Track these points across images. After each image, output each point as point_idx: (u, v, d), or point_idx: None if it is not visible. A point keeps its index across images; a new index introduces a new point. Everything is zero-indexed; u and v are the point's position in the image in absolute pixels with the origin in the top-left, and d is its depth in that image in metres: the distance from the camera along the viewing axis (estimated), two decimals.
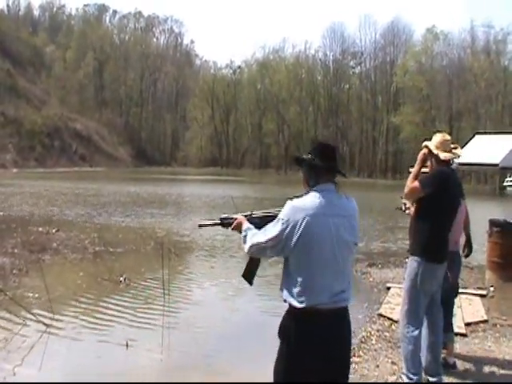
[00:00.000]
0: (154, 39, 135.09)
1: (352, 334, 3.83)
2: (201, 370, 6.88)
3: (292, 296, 3.63)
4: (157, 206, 27.52)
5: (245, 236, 3.94)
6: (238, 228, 4.07)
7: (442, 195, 5.68)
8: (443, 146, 5.94)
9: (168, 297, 9.83)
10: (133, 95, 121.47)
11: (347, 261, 3.74)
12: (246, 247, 3.89)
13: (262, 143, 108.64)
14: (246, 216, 4.15)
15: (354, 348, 6.80)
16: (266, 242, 3.72)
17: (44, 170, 64.13)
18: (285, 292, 3.70)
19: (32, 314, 8.52)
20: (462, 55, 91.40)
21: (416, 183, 5.78)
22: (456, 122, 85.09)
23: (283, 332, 3.70)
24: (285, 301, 3.70)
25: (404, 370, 5.88)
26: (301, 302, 3.58)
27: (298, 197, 3.71)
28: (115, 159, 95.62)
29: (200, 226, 4.56)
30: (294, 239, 3.59)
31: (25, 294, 9.80)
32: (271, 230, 3.70)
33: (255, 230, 3.91)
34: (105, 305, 9.59)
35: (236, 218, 4.16)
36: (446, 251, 5.88)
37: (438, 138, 6.03)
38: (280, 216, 3.69)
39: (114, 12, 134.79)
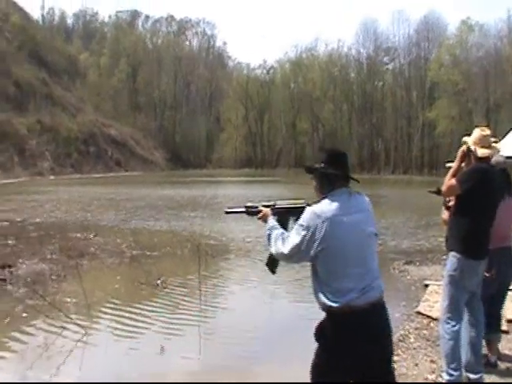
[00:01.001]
0: (187, 42, 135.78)
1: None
2: (237, 374, 6.88)
3: (325, 297, 3.66)
4: (192, 208, 27.59)
5: (269, 235, 4.02)
6: (264, 220, 4.18)
7: (480, 191, 5.59)
8: (482, 142, 5.84)
9: (204, 300, 9.85)
10: (166, 99, 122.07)
11: (372, 253, 3.80)
12: (272, 250, 3.99)
13: (297, 142, 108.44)
14: (269, 206, 4.25)
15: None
16: (288, 251, 3.80)
17: (80, 176, 64.86)
18: (318, 295, 3.74)
19: (71, 318, 8.60)
20: (498, 45, 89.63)
21: (453, 180, 5.70)
22: (493, 114, 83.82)
23: (319, 332, 3.74)
24: (320, 303, 3.73)
25: (444, 367, 5.81)
26: (335, 302, 3.60)
27: (315, 203, 3.77)
28: (150, 163, 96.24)
29: (226, 212, 4.72)
30: (316, 244, 3.65)
31: (63, 299, 9.90)
32: (292, 239, 3.78)
33: (278, 231, 3.99)
34: (142, 309, 9.63)
35: (260, 209, 4.27)
36: (486, 247, 5.78)
37: (476, 133, 5.93)
38: (300, 222, 3.75)
39: (147, 17, 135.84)
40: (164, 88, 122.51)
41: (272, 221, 4.09)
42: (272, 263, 4.23)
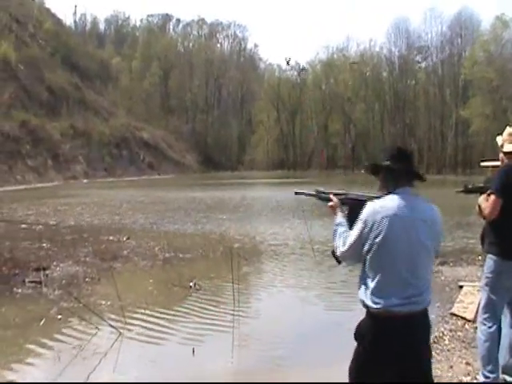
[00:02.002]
0: (218, 45, 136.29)
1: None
2: (272, 375, 6.88)
3: (366, 296, 3.66)
4: (225, 210, 27.62)
5: (335, 231, 3.99)
6: (333, 211, 4.16)
7: (509, 191, 5.52)
8: (510, 138, 5.77)
9: (238, 301, 9.84)
10: (198, 102, 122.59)
11: (426, 266, 3.72)
12: (337, 251, 3.94)
13: (329, 144, 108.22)
14: (339, 195, 4.22)
15: None
16: (347, 248, 3.79)
17: (113, 180, 65.40)
18: (360, 291, 3.73)
19: (105, 320, 8.66)
20: None
21: (492, 196, 5.58)
22: None
23: (359, 333, 3.73)
24: (360, 300, 3.72)
25: (480, 369, 5.74)
26: (375, 303, 3.59)
27: (378, 198, 3.76)
28: (182, 166, 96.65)
29: (296, 193, 4.79)
30: (372, 238, 3.63)
31: (97, 302, 9.98)
32: (352, 234, 3.77)
33: (343, 228, 3.96)
34: (175, 311, 9.68)
35: (331, 197, 4.23)
36: None
37: (507, 130, 5.87)
38: (361, 217, 3.72)
39: (178, 20, 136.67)
40: (195, 91, 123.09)
41: (340, 217, 4.06)
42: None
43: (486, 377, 5.59)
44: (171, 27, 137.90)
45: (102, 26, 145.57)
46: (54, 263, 13.40)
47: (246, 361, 7.40)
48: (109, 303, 9.82)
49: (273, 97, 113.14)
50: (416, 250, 3.63)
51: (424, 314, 3.68)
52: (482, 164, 6.47)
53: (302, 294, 10.93)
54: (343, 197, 4.20)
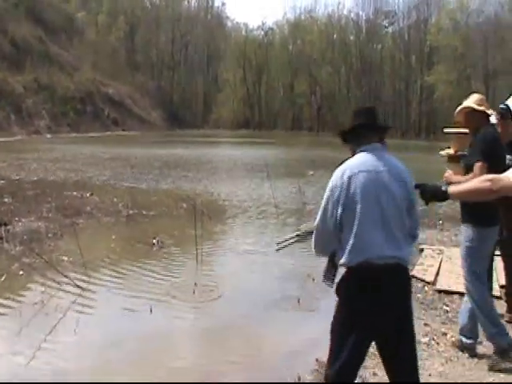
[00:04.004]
0: (185, 2, 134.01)
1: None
2: (232, 333, 6.96)
3: (346, 256, 3.64)
4: (189, 168, 27.54)
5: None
6: None
7: (492, 159, 5.55)
8: (483, 103, 5.83)
9: (201, 259, 9.88)
10: (164, 58, 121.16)
11: (401, 219, 3.70)
12: (313, 246, 3.93)
13: (294, 105, 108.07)
14: None
15: None
16: (321, 216, 3.76)
17: (77, 135, 64.54)
18: (340, 256, 3.72)
19: (67, 277, 8.63)
20: (498, 11, 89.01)
21: (479, 163, 5.55)
22: (492, 80, 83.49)
23: (339, 289, 3.75)
24: (340, 260, 3.71)
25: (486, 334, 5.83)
26: (352, 260, 3.60)
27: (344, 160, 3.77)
28: (148, 123, 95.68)
29: (278, 248, 4.61)
30: (344, 197, 3.61)
31: (60, 258, 9.94)
32: (322, 204, 3.75)
33: None
34: (138, 268, 9.68)
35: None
36: (497, 214, 5.77)
37: (475, 96, 5.90)
38: (328, 185, 3.73)
39: None
40: (162, 47, 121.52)
41: None
42: (329, 274, 3.95)
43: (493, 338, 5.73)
44: None
45: None
46: (16, 218, 13.27)
47: (205, 319, 7.43)
48: (71, 259, 9.78)
49: (239, 56, 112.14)
50: (387, 204, 3.63)
51: (405, 268, 3.72)
52: (446, 130, 6.47)
53: (268, 250, 10.98)
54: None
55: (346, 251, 3.63)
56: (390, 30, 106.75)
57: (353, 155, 3.83)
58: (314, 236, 3.85)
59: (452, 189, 3.73)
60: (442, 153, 6.57)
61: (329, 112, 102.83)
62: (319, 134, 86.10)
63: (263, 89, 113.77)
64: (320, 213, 3.76)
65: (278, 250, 4.50)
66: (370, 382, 5.36)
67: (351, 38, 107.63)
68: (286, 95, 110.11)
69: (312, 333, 6.65)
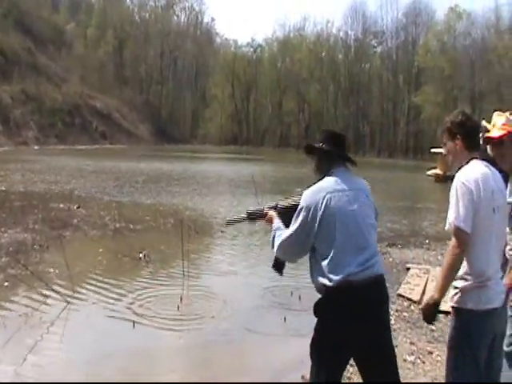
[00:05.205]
0: (175, 17, 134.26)
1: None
2: (216, 350, 6.94)
3: (323, 276, 3.66)
4: (177, 183, 27.55)
5: (273, 237, 3.99)
6: (270, 223, 4.13)
7: None
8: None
9: (187, 273, 9.87)
10: (153, 73, 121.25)
11: (371, 232, 3.79)
12: (275, 249, 3.96)
13: (283, 122, 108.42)
14: (272, 207, 4.20)
15: None
16: (293, 232, 3.78)
17: (65, 147, 64.37)
18: (315, 275, 3.75)
19: (53, 289, 8.60)
20: (485, 35, 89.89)
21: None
22: (478, 102, 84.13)
23: (318, 310, 3.76)
24: (317, 284, 3.74)
25: None
26: (332, 279, 3.60)
27: (312, 185, 3.83)
28: (135, 137, 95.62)
29: (228, 223, 4.66)
30: (318, 219, 3.67)
31: (46, 270, 9.90)
32: (295, 221, 3.78)
33: (281, 231, 3.96)
34: (124, 282, 9.65)
35: (264, 211, 4.21)
36: None
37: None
38: (300, 205, 3.77)
39: None
40: (151, 62, 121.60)
41: (277, 222, 4.06)
42: (279, 265, 4.17)
43: None
44: None
45: None
46: (2, 229, 13.22)
47: (189, 336, 7.40)
48: (57, 272, 9.74)
49: (228, 72, 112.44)
50: (361, 217, 3.73)
51: (382, 280, 3.76)
52: (432, 150, 6.50)
53: (255, 264, 11.11)
54: (277, 207, 4.17)
55: (324, 271, 3.65)
56: (378, 49, 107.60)
57: (317, 169, 3.95)
58: (282, 243, 3.85)
59: None
60: (429, 173, 6.62)
61: (317, 130, 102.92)
62: None
63: (251, 105, 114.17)
64: (290, 232, 3.79)
65: (226, 224, 4.55)
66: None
67: (340, 56, 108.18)
68: (274, 112, 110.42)
69: (297, 350, 6.64)
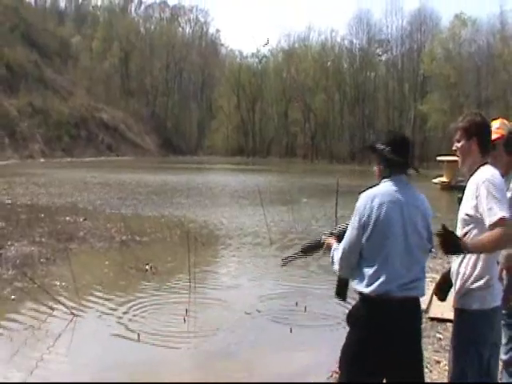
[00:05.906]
0: (180, 29, 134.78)
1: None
2: (220, 363, 6.91)
3: (363, 283, 3.60)
4: (183, 195, 27.57)
5: (332, 257, 3.88)
6: (329, 249, 3.99)
7: None
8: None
9: (194, 285, 9.86)
10: (158, 85, 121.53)
11: (421, 252, 3.70)
12: (336, 267, 3.83)
13: (289, 132, 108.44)
14: (329, 235, 4.06)
15: None
16: (346, 247, 3.70)
17: (71, 160, 64.62)
18: (357, 281, 3.67)
19: (59, 302, 8.60)
20: (490, 41, 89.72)
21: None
22: (484, 109, 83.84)
23: (353, 318, 3.70)
24: (357, 291, 3.66)
25: None
26: (372, 290, 3.55)
27: (370, 187, 3.72)
28: (141, 148, 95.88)
29: (284, 263, 4.53)
30: (371, 225, 3.58)
31: (52, 283, 9.91)
32: (350, 229, 3.70)
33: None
34: (130, 294, 9.64)
35: (322, 241, 4.07)
36: None
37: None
38: (356, 208, 3.67)
39: (140, 2, 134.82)
40: (156, 74, 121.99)
41: (336, 244, 3.92)
42: (342, 288, 4.00)
43: None
44: (133, 9, 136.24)
45: (62, 4, 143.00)
46: (9, 242, 13.24)
47: (197, 348, 7.37)
48: (64, 284, 9.75)
49: (233, 83, 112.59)
50: (411, 235, 3.61)
51: (417, 302, 3.66)
52: (438, 158, 6.46)
53: (262, 276, 11.07)
54: (333, 233, 4.02)
55: (366, 279, 3.59)
56: (383, 58, 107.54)
57: (378, 171, 3.82)
58: (339, 260, 3.75)
59: None
60: (435, 181, 6.57)
61: (323, 140, 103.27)
62: (314, 162, 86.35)
63: (257, 116, 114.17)
64: (347, 238, 3.71)
65: (283, 265, 4.42)
66: None
67: (345, 65, 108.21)
68: (280, 122, 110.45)
69: (304, 362, 6.63)
